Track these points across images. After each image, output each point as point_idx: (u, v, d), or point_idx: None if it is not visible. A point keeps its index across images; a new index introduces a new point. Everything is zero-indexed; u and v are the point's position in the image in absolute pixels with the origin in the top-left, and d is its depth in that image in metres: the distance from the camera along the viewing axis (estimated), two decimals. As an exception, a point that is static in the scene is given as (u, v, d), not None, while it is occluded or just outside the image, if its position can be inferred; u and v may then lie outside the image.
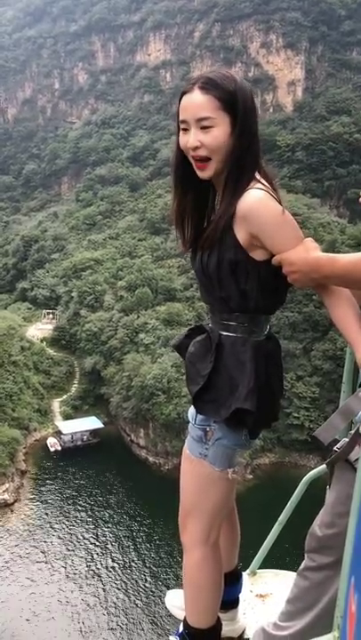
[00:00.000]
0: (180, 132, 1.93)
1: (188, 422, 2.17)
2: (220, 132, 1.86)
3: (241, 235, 1.89)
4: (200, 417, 2.09)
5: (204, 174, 1.93)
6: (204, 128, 1.86)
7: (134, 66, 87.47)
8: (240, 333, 2.00)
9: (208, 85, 1.85)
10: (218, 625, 2.23)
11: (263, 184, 1.90)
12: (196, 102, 1.86)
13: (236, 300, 1.97)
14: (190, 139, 1.88)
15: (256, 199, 1.85)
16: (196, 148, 1.88)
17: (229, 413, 1.95)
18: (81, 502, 38.30)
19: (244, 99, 1.87)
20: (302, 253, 1.82)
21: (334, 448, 1.96)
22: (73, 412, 48.99)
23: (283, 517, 2.74)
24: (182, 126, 1.92)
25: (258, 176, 1.93)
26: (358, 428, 1.83)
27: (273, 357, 2.05)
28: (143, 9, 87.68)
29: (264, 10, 75.76)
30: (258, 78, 73.79)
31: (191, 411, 2.14)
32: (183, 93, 1.91)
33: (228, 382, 1.98)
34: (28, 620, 27.29)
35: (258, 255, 1.90)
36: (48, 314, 59.97)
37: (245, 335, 2.00)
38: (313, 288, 1.88)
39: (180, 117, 1.91)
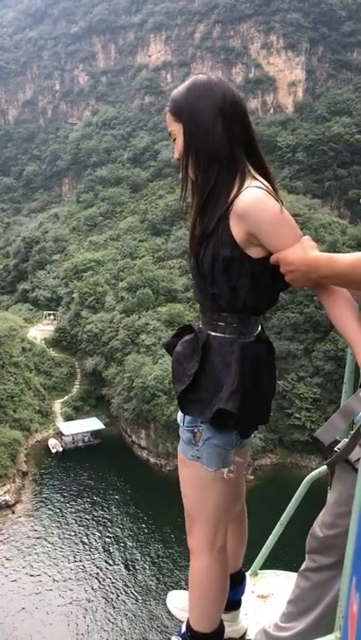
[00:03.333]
0: None
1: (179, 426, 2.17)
2: (179, 142, 1.99)
3: (237, 232, 1.89)
4: (188, 418, 2.08)
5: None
6: (173, 141, 2.03)
7: (135, 67, 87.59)
8: (228, 334, 2.00)
9: (169, 102, 2.01)
10: (221, 628, 2.22)
11: (261, 182, 1.91)
12: (166, 119, 2.05)
13: (226, 298, 1.96)
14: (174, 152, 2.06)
15: (254, 198, 1.85)
16: (178, 159, 2.03)
17: (213, 414, 1.95)
18: (82, 503, 38.28)
19: (190, 102, 1.93)
20: (300, 253, 1.81)
21: (335, 449, 1.96)
22: (74, 413, 49.01)
23: (284, 518, 2.73)
24: None
25: (255, 173, 1.93)
26: (359, 429, 1.83)
27: (263, 359, 2.04)
28: (144, 10, 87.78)
29: (264, 11, 75.81)
30: (258, 79, 73.89)
31: (180, 414, 2.14)
32: None
33: (213, 382, 1.97)
34: (29, 620, 27.26)
35: (254, 253, 1.90)
36: (49, 315, 60.01)
37: (234, 336, 1.99)
38: (311, 288, 1.87)
39: None
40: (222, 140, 1.91)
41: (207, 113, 1.91)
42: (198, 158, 1.95)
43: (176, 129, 1.97)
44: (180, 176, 2.04)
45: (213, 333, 2.02)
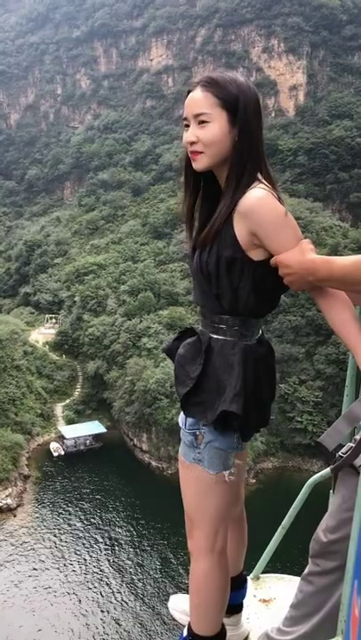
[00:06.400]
0: (184, 130, 1.98)
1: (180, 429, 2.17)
2: (215, 127, 1.89)
3: (240, 232, 1.89)
4: (190, 421, 2.08)
5: (196, 165, 1.96)
6: (201, 123, 1.91)
7: (136, 71, 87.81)
8: (230, 336, 2.00)
9: (209, 84, 1.91)
10: (223, 632, 2.22)
11: (266, 184, 1.92)
12: (196, 99, 1.92)
13: (227, 299, 1.97)
14: (188, 133, 1.94)
15: (258, 198, 1.86)
16: (193, 144, 1.93)
17: (216, 416, 1.95)
18: (84, 507, 38.23)
19: (246, 99, 1.91)
20: (298, 256, 1.81)
21: (338, 453, 1.95)
22: (76, 416, 48.98)
23: (286, 522, 2.72)
24: (184, 123, 1.97)
25: (260, 177, 1.94)
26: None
27: (264, 361, 2.05)
28: (145, 14, 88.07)
29: (266, 15, 76.01)
30: (260, 83, 73.91)
31: (181, 416, 2.14)
32: (188, 92, 1.97)
33: (216, 385, 1.98)
34: (31, 623, 27.19)
35: (255, 255, 1.90)
36: (51, 318, 60.07)
37: (235, 338, 2.00)
38: (308, 291, 1.87)
39: (183, 115, 1.98)
40: (262, 142, 1.97)
41: (256, 112, 1.95)
42: (250, 155, 1.93)
43: (215, 114, 1.88)
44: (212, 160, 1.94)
45: (215, 336, 2.02)
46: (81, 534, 35.20)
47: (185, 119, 1.96)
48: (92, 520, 36.85)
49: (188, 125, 1.95)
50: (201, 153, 1.93)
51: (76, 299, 57.18)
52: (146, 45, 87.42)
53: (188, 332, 2.18)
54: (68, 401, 50.96)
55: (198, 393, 2.01)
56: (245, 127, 1.90)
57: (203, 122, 1.90)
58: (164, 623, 27.75)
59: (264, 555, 2.83)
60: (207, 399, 1.99)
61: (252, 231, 1.87)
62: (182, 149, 2.06)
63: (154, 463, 43.30)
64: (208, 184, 2.07)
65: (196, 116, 1.90)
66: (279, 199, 1.90)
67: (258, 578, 2.94)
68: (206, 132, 1.90)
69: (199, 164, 1.95)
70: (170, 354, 2.21)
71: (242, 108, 1.89)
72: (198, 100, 1.91)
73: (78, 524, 36.25)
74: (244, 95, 1.91)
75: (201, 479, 2.07)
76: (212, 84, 1.90)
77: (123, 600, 29.80)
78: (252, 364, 1.98)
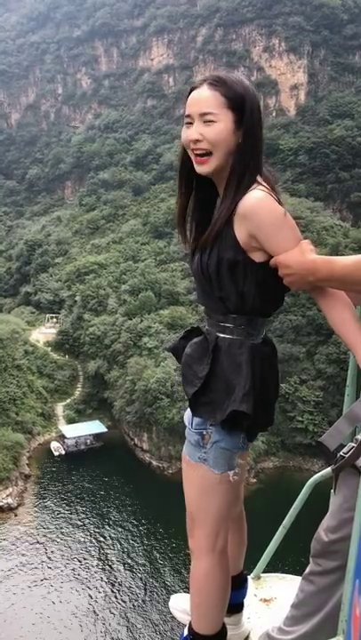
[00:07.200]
0: (184, 127, 1.95)
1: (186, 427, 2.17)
2: (222, 127, 1.87)
3: (240, 235, 1.89)
4: (196, 420, 2.08)
5: (202, 169, 1.94)
6: (207, 122, 1.88)
7: (137, 70, 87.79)
8: (237, 336, 2.00)
9: (217, 83, 1.89)
10: (223, 631, 2.22)
11: (265, 186, 1.92)
12: (203, 97, 1.89)
13: (233, 301, 1.97)
14: (192, 131, 1.91)
15: (257, 199, 1.86)
16: (197, 142, 1.90)
17: (225, 416, 1.95)
18: (84, 506, 38.25)
19: (252, 102, 1.91)
20: (298, 256, 1.81)
21: (340, 453, 1.96)
22: (76, 415, 49.02)
23: (287, 521, 2.72)
24: (187, 121, 1.94)
25: (259, 179, 1.94)
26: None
27: (268, 361, 2.05)
28: (146, 14, 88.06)
29: (266, 14, 75.99)
30: (261, 82, 73.97)
31: (187, 415, 2.14)
32: (192, 89, 1.94)
33: (224, 384, 1.97)
34: (29, 624, 27.20)
35: (257, 257, 1.90)
36: (52, 318, 60.10)
37: (242, 337, 2.00)
38: (308, 291, 1.88)
39: (186, 112, 1.94)
40: (263, 144, 1.97)
41: (259, 114, 1.95)
42: (252, 156, 1.92)
43: (221, 114, 1.87)
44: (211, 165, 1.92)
45: (222, 335, 2.02)
46: (81, 533, 35.21)
47: (188, 116, 1.93)
48: (93, 519, 36.86)
49: (189, 123, 1.93)
50: (208, 155, 1.90)
51: (77, 298, 57.20)
52: (147, 45, 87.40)
53: (194, 332, 2.17)
54: (68, 400, 50.99)
55: (207, 393, 2.01)
56: (250, 129, 1.90)
57: (209, 121, 1.88)
58: (165, 622, 27.76)
59: (265, 554, 2.83)
60: (216, 399, 1.99)
61: (251, 233, 1.87)
62: (180, 148, 2.03)
63: (154, 463, 43.32)
64: (200, 185, 2.05)
65: (203, 114, 1.88)
66: (278, 200, 1.89)
67: (259, 577, 2.94)
68: (213, 131, 1.88)
69: (206, 167, 1.93)
70: (175, 353, 2.21)
71: (248, 110, 1.89)
72: (206, 98, 1.88)
73: (79, 524, 36.26)
74: (250, 97, 1.91)
75: (205, 479, 2.07)
76: (220, 84, 1.89)
77: (122, 599, 29.81)
78: (258, 364, 1.99)
